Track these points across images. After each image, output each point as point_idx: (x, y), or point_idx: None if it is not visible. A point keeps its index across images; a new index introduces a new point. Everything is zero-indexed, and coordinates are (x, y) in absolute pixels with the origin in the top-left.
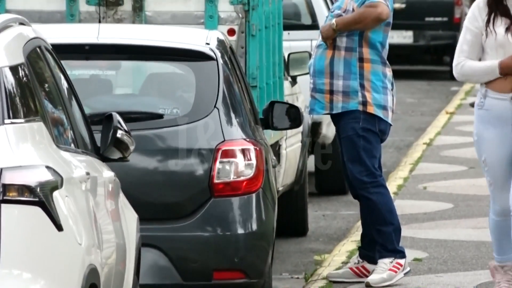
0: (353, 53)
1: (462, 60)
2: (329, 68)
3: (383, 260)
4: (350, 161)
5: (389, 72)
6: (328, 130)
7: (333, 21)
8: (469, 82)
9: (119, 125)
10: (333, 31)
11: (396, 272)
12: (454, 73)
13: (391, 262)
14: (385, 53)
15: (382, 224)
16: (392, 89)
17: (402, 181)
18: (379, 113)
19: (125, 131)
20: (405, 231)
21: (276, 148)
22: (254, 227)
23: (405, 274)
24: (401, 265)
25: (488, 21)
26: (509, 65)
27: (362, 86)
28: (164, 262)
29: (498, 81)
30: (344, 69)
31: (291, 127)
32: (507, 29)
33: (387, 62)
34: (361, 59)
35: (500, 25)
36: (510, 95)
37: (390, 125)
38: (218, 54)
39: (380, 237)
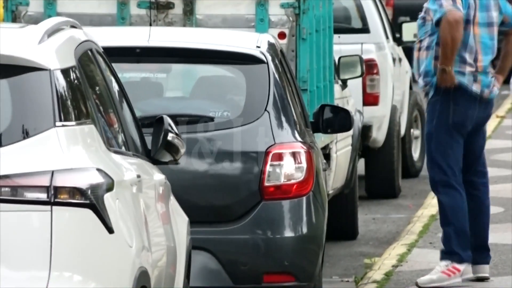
0: (430, 51)
1: None
2: (418, 70)
3: (441, 262)
4: (426, 158)
5: (469, 68)
6: (378, 134)
7: (438, 66)
8: None
9: (169, 128)
10: (444, 71)
11: (449, 275)
12: None
13: (447, 265)
14: (466, 49)
15: (444, 223)
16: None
17: None
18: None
19: (176, 134)
20: None
21: (326, 151)
22: (304, 230)
23: (464, 280)
24: (458, 270)
25: None
26: None
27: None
28: (214, 265)
29: None
30: (425, 68)
31: (341, 131)
32: None
33: (467, 59)
34: (436, 57)
35: None
36: None
37: (470, 113)
38: (269, 57)
39: (442, 236)
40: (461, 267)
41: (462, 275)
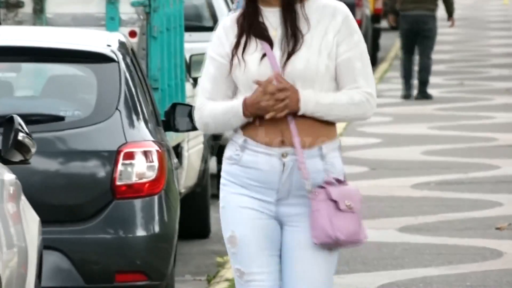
0: None
1: (204, 103)
2: None
3: None
4: None
5: None
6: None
7: None
8: (217, 132)
9: (20, 128)
10: None
11: None
12: (195, 121)
13: None
14: None
15: None
16: None
17: None
18: None
19: (26, 133)
20: None
21: (178, 150)
22: (156, 229)
23: None
24: None
25: (237, 46)
26: (256, 101)
27: None
28: (66, 265)
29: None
30: None
31: (193, 129)
32: (263, 57)
33: None
34: None
35: (254, 51)
36: (279, 150)
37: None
38: (120, 56)
39: None
40: None
41: None
